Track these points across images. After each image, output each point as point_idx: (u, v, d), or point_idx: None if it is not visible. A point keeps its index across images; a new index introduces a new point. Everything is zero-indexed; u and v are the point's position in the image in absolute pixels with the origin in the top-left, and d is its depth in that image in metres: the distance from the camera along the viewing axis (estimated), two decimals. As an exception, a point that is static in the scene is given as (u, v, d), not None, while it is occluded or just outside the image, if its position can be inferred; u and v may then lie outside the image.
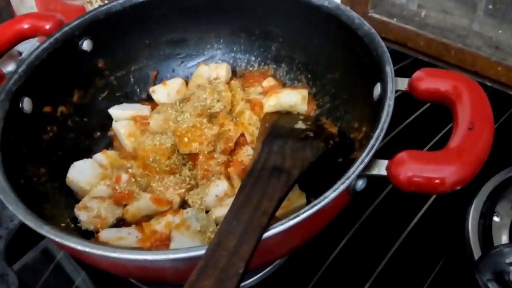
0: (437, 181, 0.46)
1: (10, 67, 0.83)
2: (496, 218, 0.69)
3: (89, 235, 0.63)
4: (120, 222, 0.66)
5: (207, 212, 0.65)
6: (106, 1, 1.01)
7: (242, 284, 0.64)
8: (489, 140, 0.48)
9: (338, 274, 0.66)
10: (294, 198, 0.63)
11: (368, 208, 0.73)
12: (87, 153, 0.73)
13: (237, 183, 0.67)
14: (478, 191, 0.73)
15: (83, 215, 0.63)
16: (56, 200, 0.65)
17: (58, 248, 0.72)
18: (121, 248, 0.47)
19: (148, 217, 0.65)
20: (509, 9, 0.91)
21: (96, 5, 1.02)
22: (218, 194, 0.65)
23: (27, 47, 0.91)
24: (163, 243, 0.60)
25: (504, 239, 0.67)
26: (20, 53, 0.95)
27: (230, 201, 0.64)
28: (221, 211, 0.63)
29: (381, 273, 0.66)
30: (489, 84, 0.92)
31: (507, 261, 0.62)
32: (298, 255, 0.67)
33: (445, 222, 0.71)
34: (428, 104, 0.86)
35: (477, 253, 0.66)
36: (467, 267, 0.65)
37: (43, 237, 0.72)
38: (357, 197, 0.53)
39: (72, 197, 0.68)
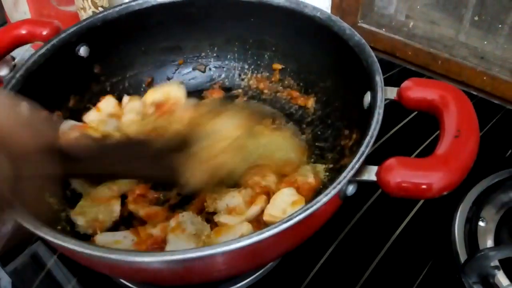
0: (424, 186, 0.48)
1: (2, 72, 0.83)
2: (481, 223, 0.70)
3: (85, 238, 0.63)
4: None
5: (214, 213, 0.65)
6: (100, 8, 1.02)
7: (236, 286, 0.66)
8: (474, 147, 0.50)
9: (328, 276, 0.67)
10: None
11: (358, 212, 0.74)
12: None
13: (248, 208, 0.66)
14: (464, 197, 0.74)
15: (80, 220, 0.63)
16: (51, 203, 0.65)
17: (49, 255, 0.72)
18: (119, 250, 0.47)
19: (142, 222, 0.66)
20: (494, 21, 0.93)
21: (89, 12, 1.03)
22: (229, 204, 0.65)
23: (20, 53, 0.92)
24: (159, 246, 0.60)
25: (489, 243, 0.68)
26: (13, 58, 0.96)
27: (235, 217, 0.64)
28: (226, 218, 0.63)
29: (370, 275, 0.67)
30: (474, 93, 0.94)
31: (492, 264, 0.63)
32: (290, 258, 0.68)
33: (432, 227, 0.73)
34: (416, 113, 0.88)
35: (463, 257, 0.67)
36: (454, 270, 0.67)
37: (34, 242, 0.73)
38: (347, 202, 0.55)
39: (67, 200, 0.68)
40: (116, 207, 0.67)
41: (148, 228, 0.63)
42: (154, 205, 0.68)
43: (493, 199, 0.73)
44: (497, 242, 0.68)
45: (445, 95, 0.56)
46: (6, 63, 0.84)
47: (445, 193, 0.49)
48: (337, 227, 0.72)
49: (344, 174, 0.49)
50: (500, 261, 0.64)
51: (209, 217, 0.66)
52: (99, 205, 0.66)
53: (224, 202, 0.65)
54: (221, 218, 0.64)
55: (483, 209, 0.72)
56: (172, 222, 0.62)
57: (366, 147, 0.51)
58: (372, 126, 0.53)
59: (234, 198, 0.65)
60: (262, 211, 0.64)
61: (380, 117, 0.54)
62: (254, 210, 0.65)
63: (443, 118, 0.54)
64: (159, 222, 0.64)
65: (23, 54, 0.95)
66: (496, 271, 0.63)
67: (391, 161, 0.49)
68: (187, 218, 0.62)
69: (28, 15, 1.06)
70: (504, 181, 0.76)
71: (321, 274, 0.68)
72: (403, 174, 0.48)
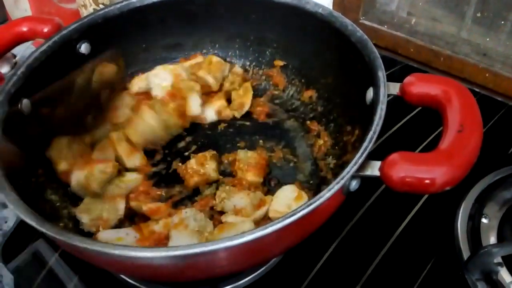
0: (427, 181, 0.48)
1: (4, 69, 0.83)
2: (484, 220, 0.70)
3: (88, 236, 0.64)
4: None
5: (222, 213, 0.66)
6: (101, 5, 1.02)
7: (236, 284, 0.66)
8: (478, 142, 0.50)
9: (331, 273, 0.67)
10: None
11: (360, 210, 0.74)
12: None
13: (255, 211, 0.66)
14: (467, 193, 0.74)
15: (85, 218, 0.63)
16: (53, 200, 0.66)
17: (50, 253, 0.72)
18: (122, 246, 0.47)
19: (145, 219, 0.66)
20: (496, 17, 0.93)
21: (90, 9, 1.03)
22: (237, 205, 0.65)
23: (21, 50, 0.91)
24: (162, 243, 0.60)
25: (492, 240, 0.68)
26: (14, 55, 0.96)
27: (242, 218, 0.64)
28: (232, 219, 0.63)
29: (373, 272, 0.67)
30: (477, 90, 0.94)
31: (495, 261, 0.63)
32: (292, 254, 0.68)
33: (435, 224, 0.73)
34: (419, 109, 0.88)
35: (466, 253, 0.67)
36: (457, 267, 0.67)
37: (35, 240, 0.73)
38: (349, 200, 0.55)
39: (69, 198, 0.69)
40: (121, 205, 0.67)
41: (151, 224, 0.63)
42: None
43: (496, 196, 0.73)
44: (500, 239, 0.68)
45: (448, 90, 0.55)
46: (7, 60, 0.85)
47: (448, 188, 0.48)
48: (339, 224, 0.72)
49: (347, 169, 0.49)
50: (503, 257, 0.64)
51: (212, 213, 0.67)
52: (103, 202, 0.66)
53: (232, 203, 0.65)
54: (228, 219, 0.64)
55: (486, 206, 0.72)
56: (175, 218, 0.62)
57: (369, 142, 0.50)
58: (375, 122, 0.53)
59: (242, 200, 0.65)
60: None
61: (383, 113, 0.54)
62: (261, 212, 0.65)
63: (446, 113, 0.54)
64: (161, 219, 0.64)
65: (24, 51, 0.95)
66: (499, 267, 0.63)
67: (394, 156, 0.49)
68: (190, 214, 0.62)
69: (29, 13, 1.06)
70: (507, 178, 0.76)
71: (323, 270, 0.68)
72: (406, 169, 0.48)
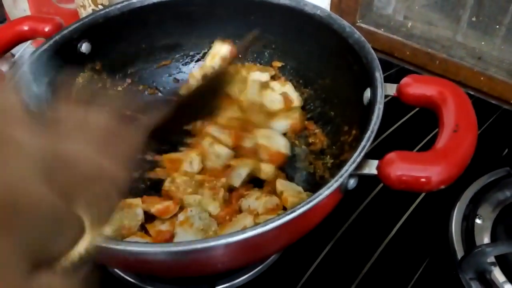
0: (423, 179, 0.49)
1: (2, 68, 0.83)
2: (478, 221, 0.70)
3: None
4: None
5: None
6: (100, 6, 1.02)
7: (233, 282, 0.66)
8: (473, 141, 0.51)
9: (327, 272, 0.68)
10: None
11: (355, 210, 0.75)
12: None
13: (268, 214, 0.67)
14: (461, 194, 0.75)
15: (107, 230, 0.61)
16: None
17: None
18: (126, 241, 0.48)
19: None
20: (491, 22, 0.94)
21: (89, 10, 1.03)
22: (251, 206, 0.66)
23: (19, 49, 0.92)
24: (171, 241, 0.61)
25: (486, 240, 0.68)
26: (12, 55, 0.96)
27: (242, 215, 0.65)
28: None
29: (368, 271, 0.67)
30: (472, 93, 0.95)
31: (488, 260, 0.64)
32: (289, 253, 0.69)
33: (429, 224, 0.73)
34: (415, 110, 0.89)
35: (460, 253, 0.68)
36: (451, 267, 0.67)
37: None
38: (345, 201, 0.55)
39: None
40: (139, 210, 0.65)
41: (157, 224, 0.63)
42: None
43: (490, 197, 0.74)
44: (494, 239, 0.69)
45: (443, 91, 0.56)
46: (6, 59, 0.85)
47: (443, 186, 0.49)
48: (336, 223, 0.73)
49: (345, 168, 0.49)
50: (496, 257, 0.65)
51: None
52: (121, 210, 0.65)
53: (248, 202, 0.66)
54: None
55: (480, 207, 0.72)
56: (181, 216, 0.63)
57: (367, 141, 0.51)
58: (373, 121, 0.53)
59: (257, 201, 0.66)
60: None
61: (381, 112, 0.54)
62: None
63: (441, 113, 0.55)
64: (168, 219, 0.64)
65: (22, 50, 0.95)
66: (492, 267, 0.64)
67: (392, 155, 0.50)
68: (195, 213, 0.63)
69: (27, 12, 1.06)
70: (501, 180, 0.76)
71: (320, 269, 0.68)
72: (403, 167, 0.49)
